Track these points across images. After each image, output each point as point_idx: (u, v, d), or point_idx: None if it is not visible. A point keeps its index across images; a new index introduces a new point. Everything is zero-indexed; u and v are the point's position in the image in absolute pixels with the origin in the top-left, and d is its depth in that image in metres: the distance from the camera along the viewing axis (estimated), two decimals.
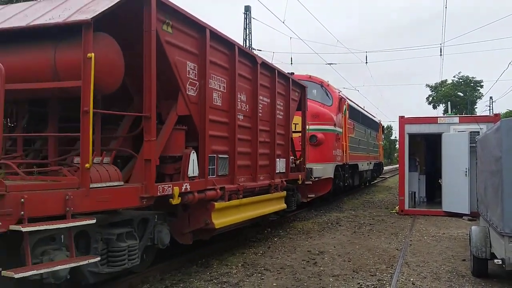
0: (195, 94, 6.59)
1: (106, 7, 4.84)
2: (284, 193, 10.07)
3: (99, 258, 4.82)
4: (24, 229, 3.96)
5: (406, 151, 14.61)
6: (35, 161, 5.83)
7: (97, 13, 4.74)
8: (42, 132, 6.25)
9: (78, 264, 4.49)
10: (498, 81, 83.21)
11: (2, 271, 3.94)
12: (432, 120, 14.86)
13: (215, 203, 6.94)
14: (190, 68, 6.46)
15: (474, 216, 12.27)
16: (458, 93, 67.29)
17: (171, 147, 6.16)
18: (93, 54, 4.63)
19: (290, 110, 10.64)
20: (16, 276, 3.85)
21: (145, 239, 5.92)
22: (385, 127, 47.52)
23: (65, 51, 4.90)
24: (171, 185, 5.86)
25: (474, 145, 9.99)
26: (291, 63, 42.20)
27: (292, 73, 11.84)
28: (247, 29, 30.73)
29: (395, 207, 15.24)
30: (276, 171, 9.65)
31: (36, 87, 4.96)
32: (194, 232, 6.99)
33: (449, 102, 52.62)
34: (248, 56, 8.53)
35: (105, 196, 4.90)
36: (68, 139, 6.06)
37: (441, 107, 70.05)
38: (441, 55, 30.87)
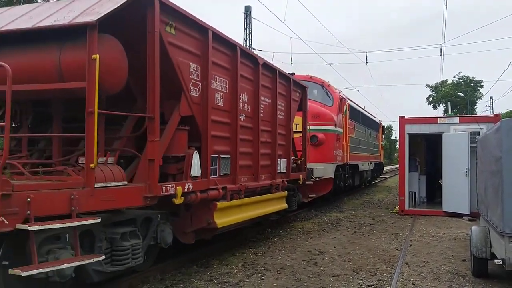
0: (197, 95, 6.64)
1: (110, 9, 4.89)
2: (285, 193, 10.13)
3: (103, 257, 4.88)
4: (30, 228, 4.01)
5: (406, 151, 14.64)
6: (39, 161, 5.89)
7: (102, 15, 4.79)
8: (45, 132, 6.31)
9: (84, 263, 4.55)
10: (498, 81, 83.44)
11: (9, 270, 4.00)
12: (432, 120, 14.86)
13: (217, 203, 6.99)
14: (193, 69, 6.51)
15: (474, 216, 12.30)
16: (459, 93, 67.35)
17: (174, 147, 6.21)
18: (98, 55, 4.68)
19: (291, 110, 10.69)
20: (23, 274, 3.91)
21: (148, 238, 5.98)
22: (385, 127, 47.60)
23: (70, 53, 4.95)
24: (174, 185, 5.91)
25: (474, 145, 10.01)
26: (291, 63, 42.41)
27: (293, 74, 11.89)
28: (247, 29, 30.78)
29: (395, 207, 15.27)
30: (277, 171, 9.71)
31: (42, 88, 5.01)
32: (196, 231, 7.05)
33: (449, 102, 52.65)
34: (249, 57, 8.59)
35: (110, 196, 4.96)
36: (71, 139, 6.12)
37: (441, 107, 70.18)
38: (441, 55, 31.03)
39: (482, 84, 68.45)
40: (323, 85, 16.23)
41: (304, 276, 6.79)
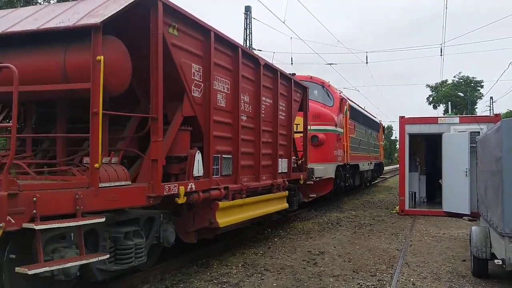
0: (200, 96, 6.70)
1: (115, 11, 4.94)
2: (286, 192, 10.18)
3: (108, 256, 4.94)
4: (37, 227, 4.07)
5: (406, 151, 14.65)
6: (44, 161, 5.95)
7: (106, 17, 4.84)
8: (49, 132, 6.37)
9: (89, 261, 4.61)
10: (498, 81, 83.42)
11: (16, 268, 4.05)
12: (433, 120, 14.87)
13: (219, 203, 7.04)
14: (195, 70, 6.57)
15: (474, 216, 12.32)
16: (459, 93, 67.37)
17: (176, 147, 6.27)
18: (102, 57, 4.74)
19: (292, 110, 10.75)
20: (30, 272, 3.96)
21: (151, 237, 6.04)
22: (385, 127, 47.63)
23: (74, 54, 5.00)
24: (177, 184, 5.97)
25: (475, 145, 10.01)
26: (292, 63, 42.42)
27: (294, 74, 11.94)
28: (248, 29, 30.82)
29: (395, 207, 15.30)
30: (279, 171, 9.76)
31: (47, 89, 5.06)
32: (198, 231, 7.10)
33: (449, 102, 52.61)
34: (251, 57, 8.64)
35: (114, 195, 5.01)
36: (75, 140, 6.18)
37: (442, 107, 70.19)
38: (441, 55, 31.07)
39: (482, 84, 68.57)
40: (323, 85, 16.28)
41: (304, 276, 6.80)
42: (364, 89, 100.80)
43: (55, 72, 5.04)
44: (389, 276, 6.88)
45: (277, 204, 9.71)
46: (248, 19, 30.78)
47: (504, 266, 5.87)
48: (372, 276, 6.88)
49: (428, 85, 73.42)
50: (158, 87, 5.62)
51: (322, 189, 14.46)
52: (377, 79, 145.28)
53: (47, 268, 4.13)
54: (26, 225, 4.08)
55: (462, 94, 67.00)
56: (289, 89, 10.63)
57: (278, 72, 9.79)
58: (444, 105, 67.86)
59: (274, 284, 6.41)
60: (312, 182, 12.65)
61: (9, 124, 4.50)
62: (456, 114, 35.96)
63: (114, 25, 5.03)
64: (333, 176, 14.95)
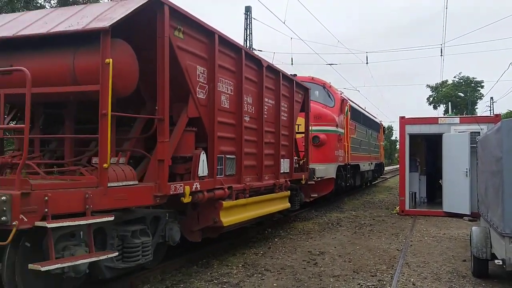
0: (204, 97, 6.81)
1: (123, 15, 5.05)
2: (288, 192, 10.29)
3: (117, 253, 5.06)
4: (49, 225, 4.18)
5: (406, 151, 14.70)
6: (53, 161, 6.06)
7: (115, 20, 4.95)
8: (56, 133, 6.48)
9: (98, 259, 4.73)
10: (498, 81, 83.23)
11: (29, 265, 4.16)
12: (433, 120, 14.89)
13: (223, 202, 7.15)
14: (200, 72, 6.68)
15: (474, 216, 12.35)
16: (459, 93, 67.38)
17: (182, 148, 6.38)
18: (111, 59, 4.85)
19: (294, 111, 10.86)
20: (43, 269, 4.08)
21: (157, 236, 6.15)
22: (385, 127, 47.70)
23: (83, 57, 5.11)
24: (182, 184, 6.08)
25: (475, 145, 10.01)
26: (292, 64, 42.44)
27: (295, 75, 12.05)
28: (248, 30, 30.93)
29: (395, 208, 15.34)
30: (281, 171, 9.87)
31: (58, 91, 5.17)
32: (203, 230, 7.22)
33: (449, 103, 52.66)
34: (254, 59, 8.75)
35: (122, 195, 5.12)
36: (82, 140, 6.30)
37: (442, 108, 70.20)
38: (441, 55, 31.15)
39: (482, 84, 68.59)
40: (324, 86, 16.38)
41: (304, 277, 6.82)
42: (364, 90, 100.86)
43: (64, 75, 5.15)
44: (389, 276, 6.91)
45: (279, 204, 9.81)
46: (248, 19, 30.90)
47: (504, 266, 5.88)
48: (373, 276, 6.91)
49: (428, 85, 73.54)
50: (165, 89, 5.73)
51: (323, 189, 14.56)
52: (377, 79, 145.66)
53: (59, 265, 4.25)
54: (38, 223, 4.19)
55: (462, 95, 67.02)
56: (291, 90, 10.74)
57: (280, 74, 9.89)
58: (444, 106, 67.89)
59: (274, 284, 6.43)
60: (314, 182, 12.75)
61: (22, 125, 4.60)
62: (456, 115, 36.05)
63: (122, 28, 5.13)
64: (334, 176, 15.04)
